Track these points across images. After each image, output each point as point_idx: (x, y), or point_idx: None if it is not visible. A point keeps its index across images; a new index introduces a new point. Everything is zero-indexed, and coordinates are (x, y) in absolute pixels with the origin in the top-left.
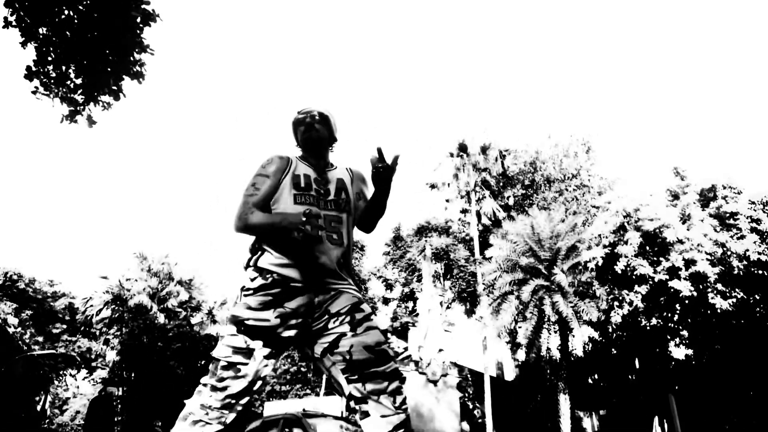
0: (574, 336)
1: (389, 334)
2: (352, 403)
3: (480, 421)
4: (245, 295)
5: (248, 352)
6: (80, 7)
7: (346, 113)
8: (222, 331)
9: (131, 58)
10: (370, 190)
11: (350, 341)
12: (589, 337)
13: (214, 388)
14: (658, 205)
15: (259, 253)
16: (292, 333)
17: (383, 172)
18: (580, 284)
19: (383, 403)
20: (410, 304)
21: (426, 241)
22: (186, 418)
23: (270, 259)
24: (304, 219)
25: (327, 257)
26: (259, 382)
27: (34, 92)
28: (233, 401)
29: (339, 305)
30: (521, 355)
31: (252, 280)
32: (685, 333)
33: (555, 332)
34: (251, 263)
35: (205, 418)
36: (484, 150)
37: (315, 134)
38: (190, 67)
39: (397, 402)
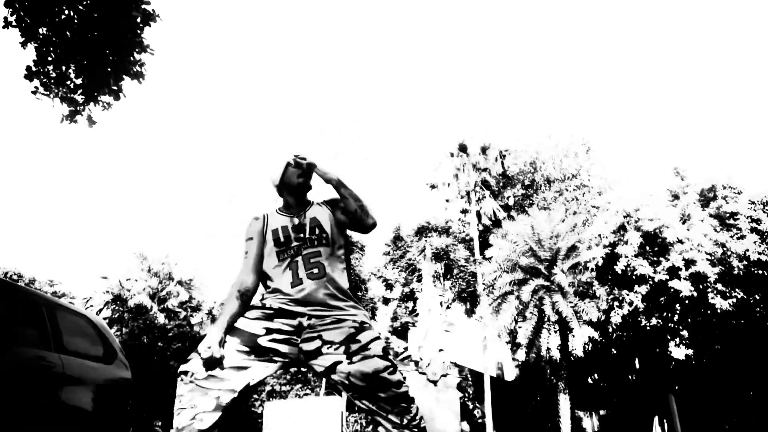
0: (574, 336)
1: (389, 338)
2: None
3: (480, 421)
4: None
5: (222, 343)
6: (80, 7)
7: (346, 113)
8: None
9: (131, 58)
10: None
11: (347, 368)
12: (589, 337)
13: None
14: (658, 205)
15: (264, 296)
16: (273, 345)
17: (303, 174)
18: (580, 284)
19: (391, 420)
20: (410, 304)
21: (426, 241)
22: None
23: (270, 297)
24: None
25: (309, 291)
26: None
27: (34, 92)
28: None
29: (333, 336)
30: (521, 355)
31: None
32: (685, 333)
33: (555, 332)
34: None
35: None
36: (484, 150)
37: (309, 182)
38: (190, 67)
39: (405, 420)
